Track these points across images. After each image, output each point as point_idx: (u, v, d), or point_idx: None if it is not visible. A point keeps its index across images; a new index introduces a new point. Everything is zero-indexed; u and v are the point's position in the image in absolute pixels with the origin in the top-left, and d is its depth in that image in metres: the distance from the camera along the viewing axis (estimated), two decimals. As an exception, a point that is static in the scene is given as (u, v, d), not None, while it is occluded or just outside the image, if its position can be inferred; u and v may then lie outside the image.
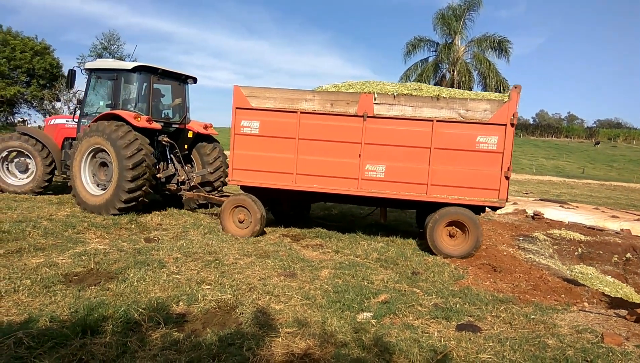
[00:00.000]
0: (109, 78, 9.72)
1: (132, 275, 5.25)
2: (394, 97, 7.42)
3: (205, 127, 10.58)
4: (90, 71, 10.12)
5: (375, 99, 7.45)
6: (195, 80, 10.65)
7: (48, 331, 3.73)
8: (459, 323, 4.56)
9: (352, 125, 7.55)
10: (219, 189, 10.53)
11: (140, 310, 4.25)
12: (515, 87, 7.14)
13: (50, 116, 36.07)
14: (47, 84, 40.01)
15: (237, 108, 7.81)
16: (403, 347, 3.88)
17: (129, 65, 9.40)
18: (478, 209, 7.65)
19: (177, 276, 5.38)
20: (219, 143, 10.82)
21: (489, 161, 7.23)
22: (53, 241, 6.53)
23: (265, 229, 8.31)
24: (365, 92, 7.54)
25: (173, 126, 10.16)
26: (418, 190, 7.48)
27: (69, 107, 37.16)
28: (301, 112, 7.65)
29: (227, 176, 10.60)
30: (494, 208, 7.77)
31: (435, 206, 7.55)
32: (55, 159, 10.42)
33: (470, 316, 4.80)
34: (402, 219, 10.96)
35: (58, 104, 38.66)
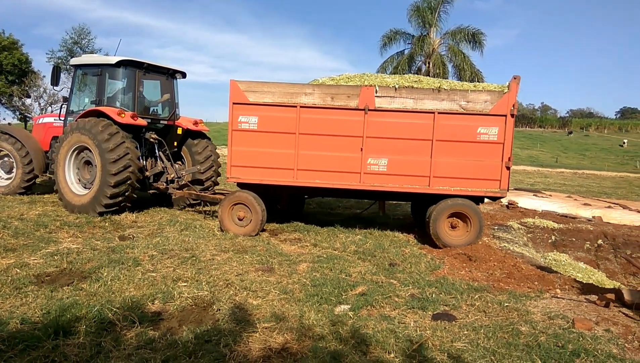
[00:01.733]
0: (94, 74, 9.40)
1: (106, 274, 5.16)
2: (396, 89, 7.40)
3: (195, 123, 10.27)
4: (76, 67, 9.80)
5: (376, 92, 7.41)
6: (184, 75, 10.32)
7: (19, 333, 3.65)
8: (435, 312, 4.63)
9: (354, 118, 7.49)
10: (211, 186, 10.30)
11: (115, 309, 4.19)
12: (515, 78, 7.20)
13: (30, 114, 35.02)
14: (16, 80, 38.85)
15: (234, 103, 7.63)
16: (380, 338, 3.92)
17: (113, 60, 9.09)
18: (478, 200, 7.71)
19: (153, 274, 5.32)
20: (210, 139, 10.58)
21: (490, 152, 7.31)
22: (24, 241, 6.38)
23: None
24: (366, 85, 7.49)
25: (161, 122, 9.91)
26: (420, 182, 7.51)
27: (39, 103, 36.18)
28: (301, 107, 7.54)
29: (219, 173, 10.46)
30: (495, 198, 7.83)
31: (436, 198, 7.58)
32: (35, 162, 10.04)
33: (446, 305, 4.87)
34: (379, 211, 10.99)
35: (28, 101, 37.56)
